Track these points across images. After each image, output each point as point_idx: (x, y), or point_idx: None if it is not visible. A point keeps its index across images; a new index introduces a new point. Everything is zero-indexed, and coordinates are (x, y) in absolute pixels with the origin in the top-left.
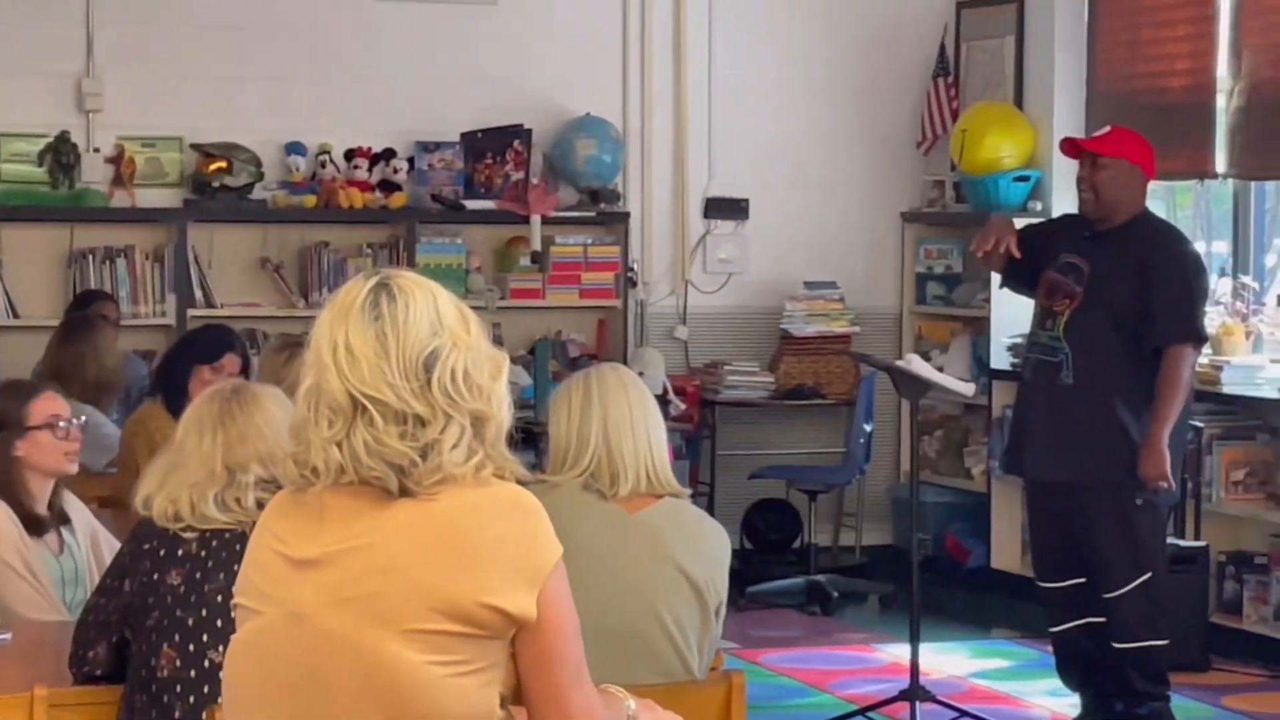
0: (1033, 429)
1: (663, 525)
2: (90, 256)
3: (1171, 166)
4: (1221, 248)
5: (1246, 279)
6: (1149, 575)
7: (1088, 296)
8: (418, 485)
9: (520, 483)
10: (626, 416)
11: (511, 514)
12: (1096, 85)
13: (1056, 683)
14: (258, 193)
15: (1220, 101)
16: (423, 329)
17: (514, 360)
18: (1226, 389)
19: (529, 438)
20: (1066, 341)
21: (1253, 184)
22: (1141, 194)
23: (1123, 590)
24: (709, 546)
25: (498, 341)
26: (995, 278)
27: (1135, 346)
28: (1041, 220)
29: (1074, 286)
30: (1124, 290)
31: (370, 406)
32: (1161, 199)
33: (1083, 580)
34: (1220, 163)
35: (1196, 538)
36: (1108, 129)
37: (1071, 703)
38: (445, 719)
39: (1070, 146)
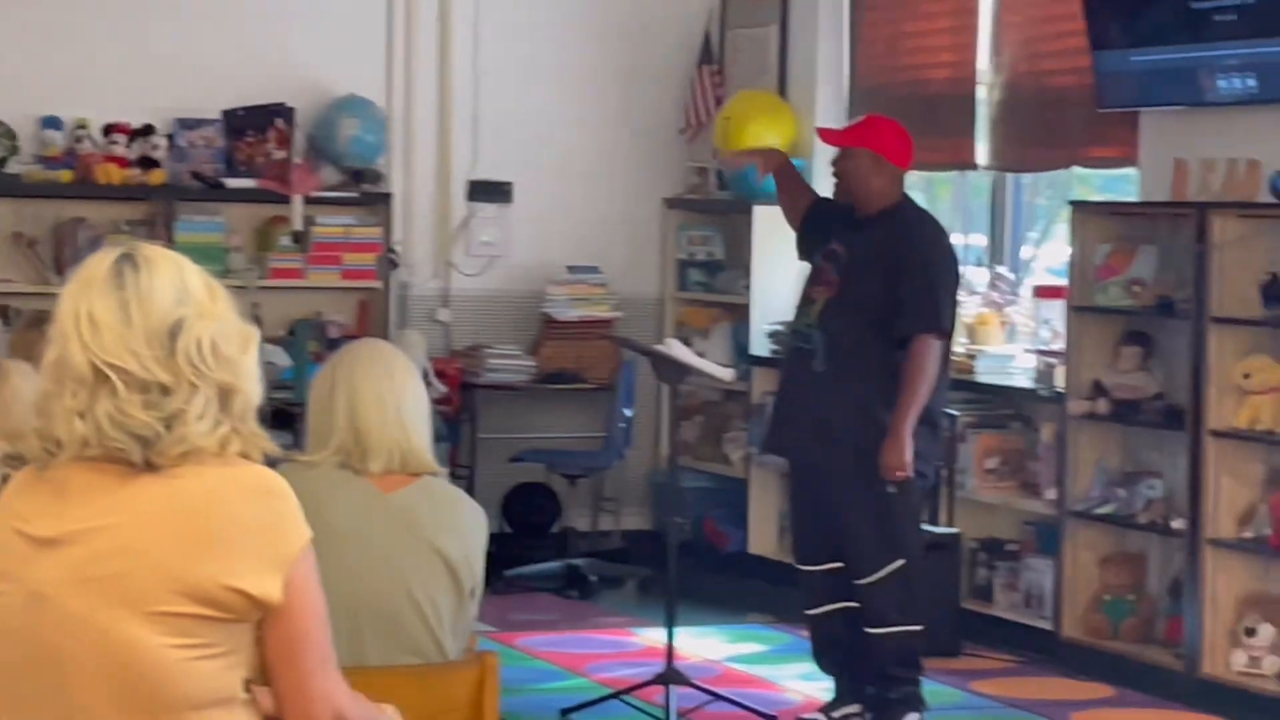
0: (789, 414)
1: (418, 504)
2: None
3: (932, 157)
4: (979, 239)
5: (1003, 270)
6: (903, 562)
7: (843, 285)
8: (161, 457)
9: (271, 460)
10: (374, 392)
11: (259, 496)
12: (859, 75)
13: (810, 667)
14: (12, 166)
15: (981, 94)
16: (167, 298)
17: (273, 341)
18: (981, 378)
19: (288, 419)
20: (820, 329)
21: (1009, 176)
22: (895, 183)
23: (876, 576)
24: (465, 526)
25: (257, 321)
26: (756, 265)
27: (885, 336)
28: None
29: (832, 274)
30: (875, 280)
31: (113, 375)
32: (921, 190)
33: (840, 565)
34: (980, 154)
35: (950, 524)
36: (862, 117)
37: (825, 686)
38: (186, 701)
39: (821, 136)
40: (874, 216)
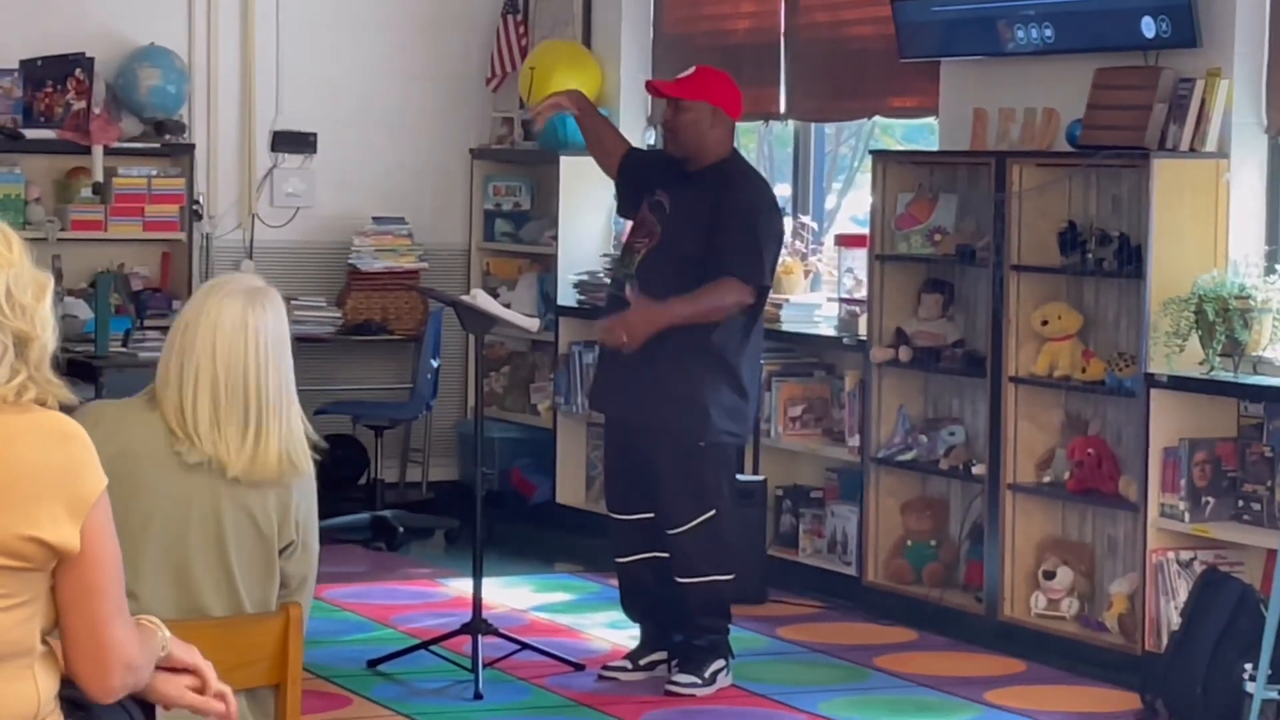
0: (606, 365)
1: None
2: None
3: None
4: (784, 190)
5: (806, 219)
6: (713, 513)
7: (664, 236)
8: None
9: (66, 408)
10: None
11: (55, 441)
12: (663, 25)
13: (617, 615)
14: None
15: (784, 44)
16: None
17: (75, 294)
18: (785, 327)
19: (90, 371)
20: (639, 279)
21: (813, 126)
22: (727, 136)
23: (686, 526)
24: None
25: (58, 274)
26: (563, 215)
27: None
28: (655, 148)
29: (655, 225)
30: (697, 231)
31: None
32: None
33: (650, 515)
34: (783, 105)
35: (755, 472)
36: (692, 70)
37: (632, 634)
38: None
39: (652, 89)
40: (703, 169)
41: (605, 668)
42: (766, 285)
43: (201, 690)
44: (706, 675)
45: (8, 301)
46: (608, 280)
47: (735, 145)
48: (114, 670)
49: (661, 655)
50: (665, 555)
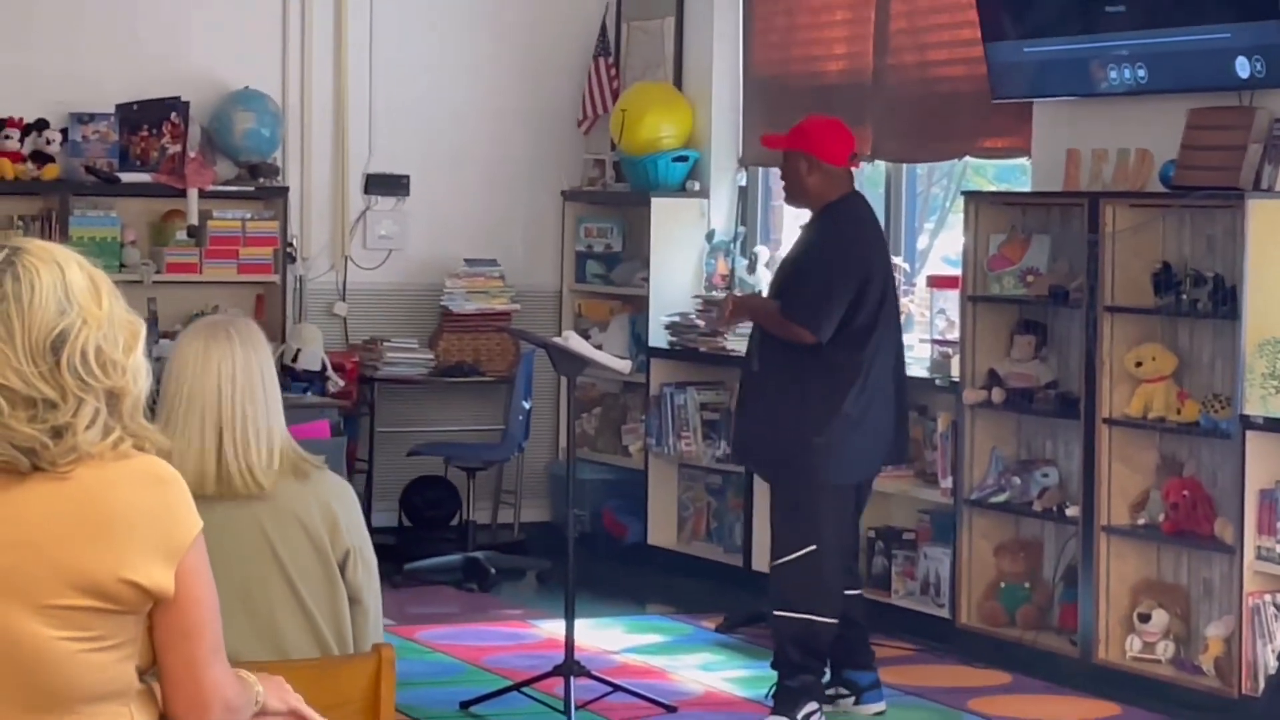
0: (737, 414)
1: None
2: None
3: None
4: None
5: (898, 260)
6: (813, 548)
7: (771, 287)
8: (51, 465)
9: (163, 454)
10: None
11: (149, 485)
12: (753, 67)
13: (710, 656)
14: None
15: (875, 85)
16: (50, 309)
17: (170, 336)
18: None
19: None
20: (759, 333)
21: (904, 167)
22: (831, 181)
23: (786, 559)
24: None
25: (153, 317)
26: (654, 257)
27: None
28: None
29: (776, 276)
30: (783, 274)
31: None
32: None
33: None
34: (875, 145)
35: None
36: (801, 121)
37: (725, 676)
38: (81, 695)
39: (764, 142)
40: (814, 217)
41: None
42: (821, 337)
43: None
44: (799, 717)
45: (97, 360)
46: (700, 322)
47: (848, 190)
48: (213, 710)
49: (842, 690)
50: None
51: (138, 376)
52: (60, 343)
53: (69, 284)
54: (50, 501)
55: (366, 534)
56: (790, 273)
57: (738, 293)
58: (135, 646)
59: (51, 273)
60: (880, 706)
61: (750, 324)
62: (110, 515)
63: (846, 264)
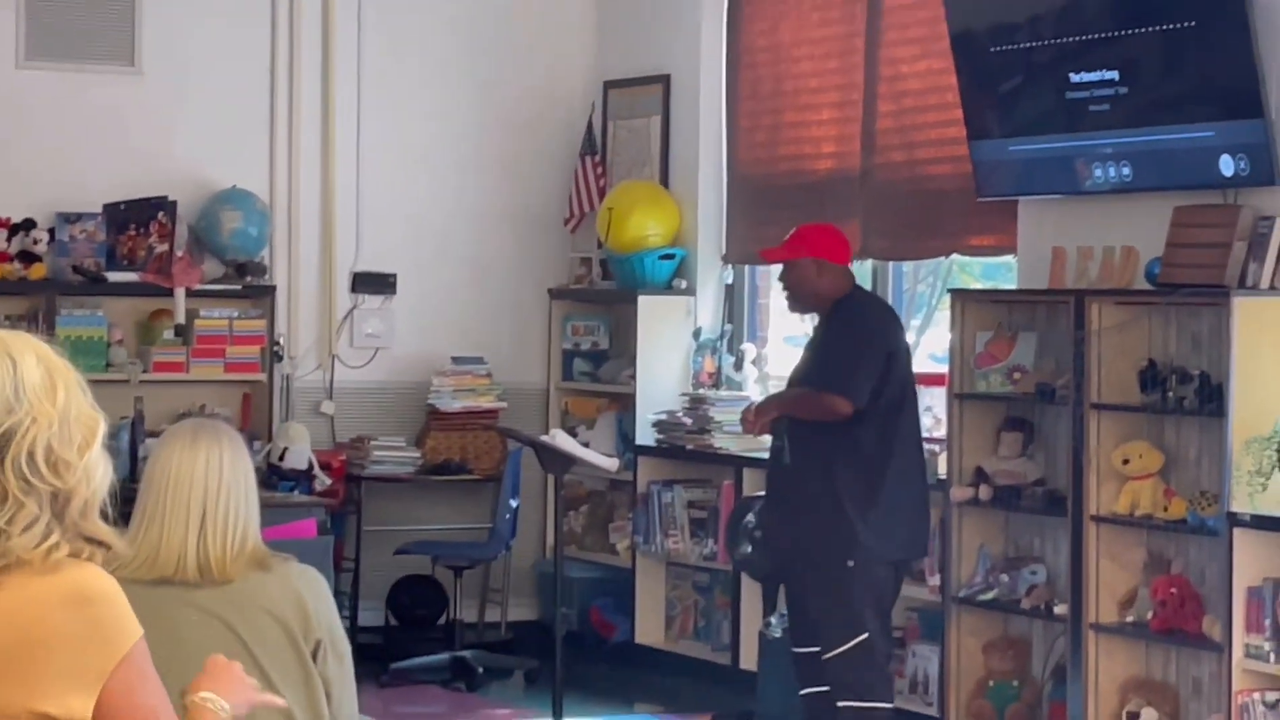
0: (769, 512)
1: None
2: None
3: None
4: None
5: None
6: (865, 636)
7: (797, 376)
8: None
9: (116, 556)
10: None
11: (75, 607)
12: (739, 166)
13: None
14: None
15: (861, 183)
16: None
17: (156, 435)
18: None
19: None
20: (788, 426)
21: (891, 264)
22: (838, 280)
23: (838, 650)
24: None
25: (139, 416)
26: (641, 355)
27: (840, 425)
28: None
29: (794, 377)
30: (810, 366)
31: None
32: None
33: (816, 649)
34: (861, 243)
35: None
36: (791, 231)
37: None
38: None
39: (763, 259)
40: (828, 315)
41: None
42: (859, 403)
43: None
44: None
45: (46, 461)
46: (688, 420)
47: (854, 284)
48: None
49: None
50: (828, 690)
51: (91, 476)
52: (5, 441)
53: (20, 379)
54: None
55: (338, 624)
56: (814, 359)
57: (754, 399)
58: None
59: (3, 367)
60: None
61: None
62: (29, 641)
63: (871, 338)
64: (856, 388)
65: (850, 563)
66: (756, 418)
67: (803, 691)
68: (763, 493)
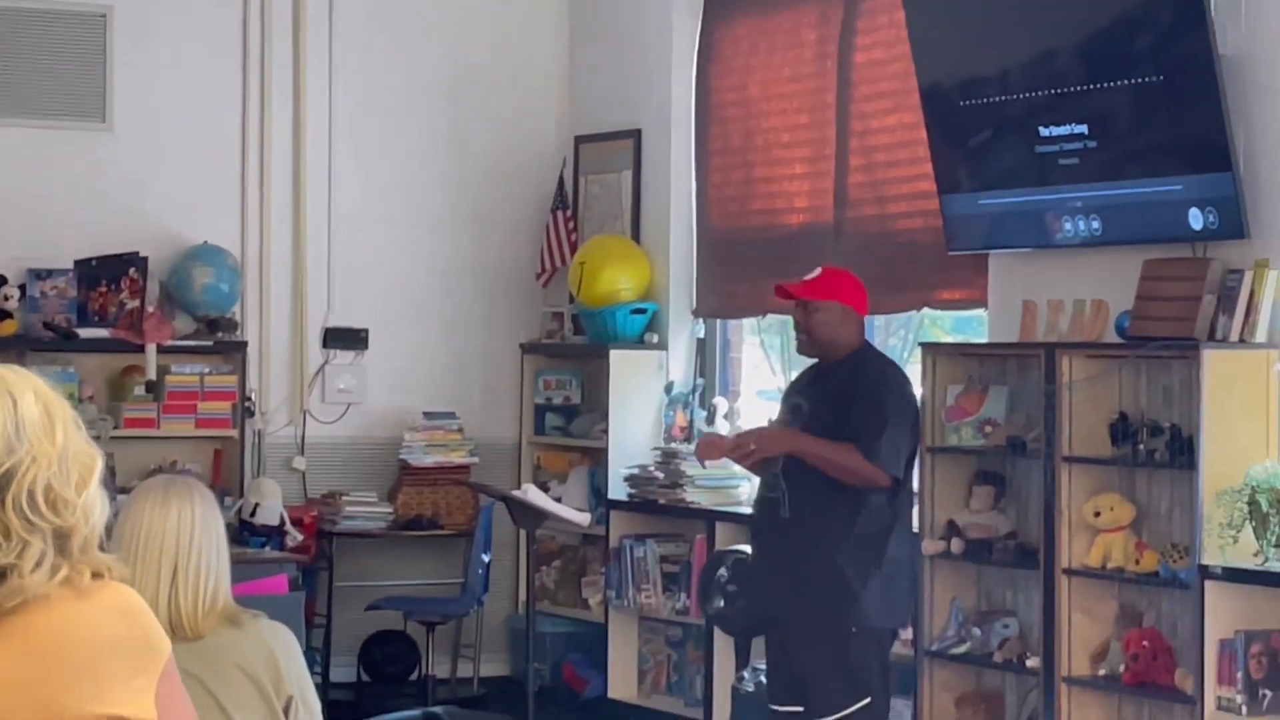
0: (760, 568)
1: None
2: None
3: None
4: None
5: None
6: (867, 701)
7: (820, 433)
8: None
9: (125, 581)
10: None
11: (124, 617)
12: (711, 219)
13: None
14: None
15: (833, 238)
16: None
17: (127, 491)
18: None
19: None
20: (784, 479)
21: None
22: (858, 331)
23: (837, 716)
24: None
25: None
26: (613, 409)
27: (846, 491)
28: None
29: (793, 425)
30: (830, 420)
31: None
32: (776, 333)
33: (800, 709)
34: None
35: None
36: (818, 271)
37: None
38: None
39: (782, 292)
40: (836, 364)
41: None
42: (898, 475)
43: None
44: None
45: (46, 500)
46: (660, 474)
47: (864, 338)
48: None
49: None
50: None
51: (90, 514)
52: (6, 481)
53: (20, 418)
54: (21, 640)
55: (309, 680)
56: (838, 413)
57: (766, 424)
58: None
59: (3, 406)
60: None
61: (746, 467)
62: (93, 650)
63: (907, 408)
64: (899, 463)
65: (854, 629)
66: (760, 446)
67: None
68: (739, 546)
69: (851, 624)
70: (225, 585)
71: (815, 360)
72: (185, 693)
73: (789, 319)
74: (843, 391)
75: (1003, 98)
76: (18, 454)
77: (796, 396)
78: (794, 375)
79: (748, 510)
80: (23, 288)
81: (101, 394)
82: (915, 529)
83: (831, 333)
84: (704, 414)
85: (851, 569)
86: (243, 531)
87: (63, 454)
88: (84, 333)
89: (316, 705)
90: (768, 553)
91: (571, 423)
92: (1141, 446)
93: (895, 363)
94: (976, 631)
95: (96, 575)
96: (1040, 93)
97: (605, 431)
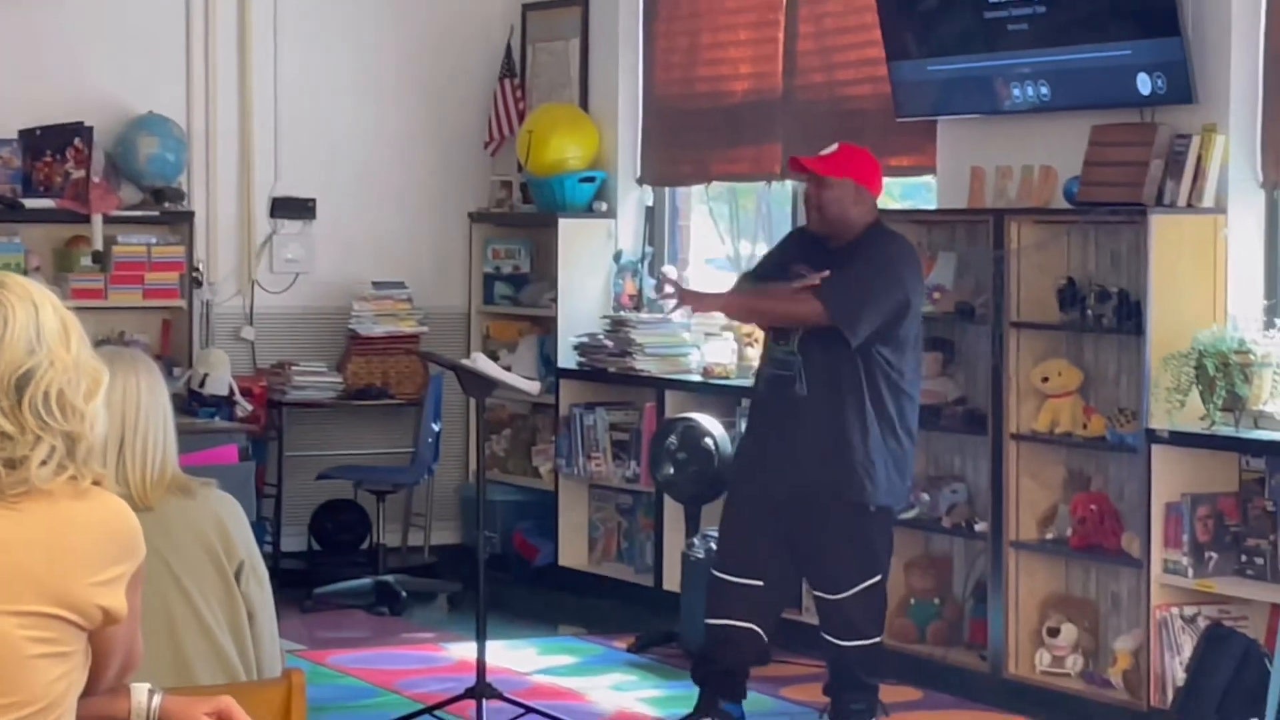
0: (770, 443)
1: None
2: None
3: (734, 168)
4: None
5: None
6: (879, 578)
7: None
8: (1, 495)
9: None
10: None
11: (115, 517)
12: (658, 87)
13: (621, 677)
14: None
15: (780, 105)
16: (19, 347)
17: None
18: None
19: None
20: (801, 354)
21: None
22: (871, 209)
23: (851, 592)
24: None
25: None
26: (562, 278)
27: (865, 356)
28: (771, 249)
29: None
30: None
31: None
32: (725, 201)
33: (758, 582)
34: (781, 164)
35: None
36: (835, 146)
37: (637, 696)
38: (22, 696)
39: (796, 165)
40: (847, 245)
41: None
42: (852, 337)
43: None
44: None
45: (59, 404)
46: (609, 343)
47: (878, 217)
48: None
49: None
50: (753, 628)
51: (95, 424)
52: (25, 381)
53: (41, 325)
54: (26, 523)
55: (256, 548)
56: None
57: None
58: (79, 664)
59: (26, 311)
60: None
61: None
62: (84, 540)
63: (896, 282)
64: (856, 326)
65: (873, 508)
66: (684, 301)
67: (712, 620)
68: (688, 414)
69: (872, 502)
70: (172, 456)
71: (800, 228)
72: (139, 600)
73: (735, 186)
74: (850, 261)
75: None
76: (38, 356)
77: (805, 270)
78: (780, 239)
79: (696, 378)
80: None
81: (48, 265)
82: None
83: (843, 210)
84: (653, 282)
85: (874, 448)
86: (192, 402)
87: (77, 363)
88: (29, 203)
89: (265, 574)
90: (778, 430)
91: (520, 291)
92: (1089, 312)
93: (908, 244)
94: (925, 497)
95: (95, 484)
96: None
97: (554, 300)
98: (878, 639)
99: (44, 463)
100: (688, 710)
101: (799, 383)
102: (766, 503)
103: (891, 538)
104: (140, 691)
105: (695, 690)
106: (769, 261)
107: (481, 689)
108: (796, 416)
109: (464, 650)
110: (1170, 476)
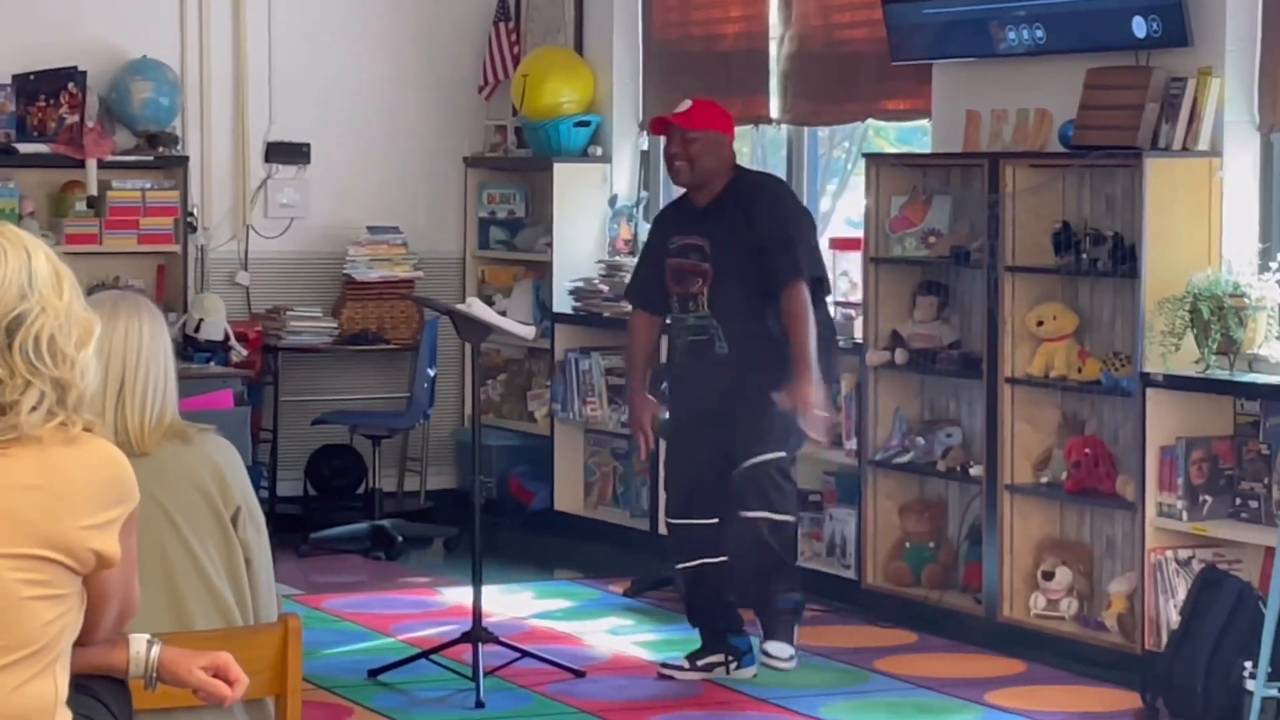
0: (694, 401)
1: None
2: None
3: (730, 112)
4: None
5: None
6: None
7: (716, 269)
8: None
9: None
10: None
11: (112, 464)
12: (653, 32)
13: (618, 621)
14: None
15: (773, 49)
16: (11, 292)
17: None
18: None
19: None
20: (714, 317)
21: (805, 130)
22: (732, 157)
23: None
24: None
25: None
26: (558, 222)
27: (774, 304)
28: (639, 258)
29: (700, 265)
30: (741, 250)
31: None
32: None
33: (714, 520)
34: (775, 109)
35: None
36: (689, 103)
37: (633, 640)
38: (17, 639)
39: (660, 124)
40: (718, 196)
41: (664, 665)
42: (817, 275)
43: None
44: (796, 645)
45: (49, 350)
46: (605, 288)
47: (735, 163)
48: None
49: (719, 658)
50: (725, 560)
51: (85, 373)
52: (16, 326)
53: (34, 271)
54: (6, 470)
55: (253, 493)
56: (755, 247)
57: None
58: (73, 607)
59: (19, 257)
60: (754, 671)
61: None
62: (76, 485)
63: (798, 212)
64: (810, 265)
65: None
66: (819, 395)
67: (684, 565)
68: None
69: (774, 396)
70: (172, 402)
71: (678, 198)
72: (134, 545)
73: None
74: (744, 220)
75: None
76: (29, 301)
77: (688, 238)
78: (644, 244)
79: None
80: None
81: (42, 210)
82: (853, 333)
83: (713, 161)
84: (648, 226)
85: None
86: (187, 347)
87: (68, 311)
88: (23, 148)
89: (261, 519)
90: (703, 388)
91: (515, 236)
92: (1084, 255)
93: (773, 175)
94: (920, 441)
95: (86, 430)
96: None
97: (549, 245)
98: (784, 517)
99: (34, 408)
100: (685, 652)
101: (718, 342)
102: (707, 449)
103: (799, 447)
104: (139, 642)
105: (691, 633)
106: (645, 263)
107: (477, 633)
108: (721, 374)
109: (460, 595)
110: (1165, 420)
